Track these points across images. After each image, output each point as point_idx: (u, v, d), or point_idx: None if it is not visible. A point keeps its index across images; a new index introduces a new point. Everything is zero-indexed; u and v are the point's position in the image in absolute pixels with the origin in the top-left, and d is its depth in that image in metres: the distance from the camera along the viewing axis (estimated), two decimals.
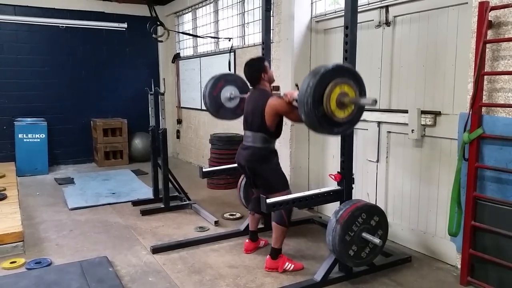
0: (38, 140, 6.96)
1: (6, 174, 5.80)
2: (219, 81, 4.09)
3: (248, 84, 3.61)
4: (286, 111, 3.22)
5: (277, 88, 4.98)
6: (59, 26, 7.41)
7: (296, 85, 3.19)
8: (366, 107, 4.05)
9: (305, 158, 5.04)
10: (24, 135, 6.89)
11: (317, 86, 2.57)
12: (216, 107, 4.10)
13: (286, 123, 4.93)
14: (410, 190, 3.79)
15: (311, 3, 4.81)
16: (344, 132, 2.88)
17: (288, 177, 4.83)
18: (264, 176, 3.37)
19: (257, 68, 3.43)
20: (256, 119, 3.32)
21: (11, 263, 3.47)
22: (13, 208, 4.34)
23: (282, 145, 4.41)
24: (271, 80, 3.53)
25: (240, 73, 6.10)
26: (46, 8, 7.27)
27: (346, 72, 2.70)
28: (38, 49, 7.36)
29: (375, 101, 2.60)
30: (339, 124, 2.70)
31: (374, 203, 3.95)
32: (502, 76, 2.82)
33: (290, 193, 3.32)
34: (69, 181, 6.45)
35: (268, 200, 2.97)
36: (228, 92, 4.10)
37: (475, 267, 3.01)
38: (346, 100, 2.63)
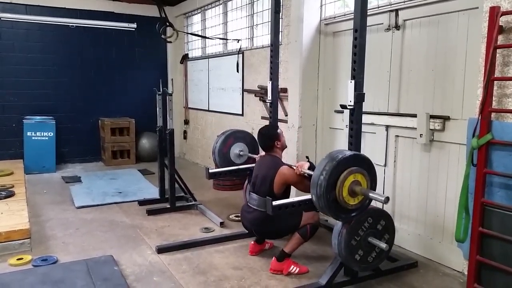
0: (46, 138, 7.03)
1: (14, 172, 5.86)
2: (229, 138, 4.29)
3: (261, 149, 3.72)
4: (296, 182, 3.33)
5: (284, 90, 4.99)
6: (69, 25, 7.48)
7: (307, 158, 3.34)
8: (374, 110, 4.07)
9: (312, 161, 5.01)
10: (33, 133, 6.95)
11: (333, 171, 2.64)
12: (225, 164, 4.30)
13: (293, 125, 4.92)
14: (418, 195, 3.77)
15: (320, 6, 4.81)
16: (349, 219, 2.88)
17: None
18: (280, 228, 3.41)
19: (271, 137, 3.55)
20: (264, 186, 3.40)
21: (18, 259, 3.50)
22: (21, 206, 4.38)
23: (289, 147, 4.40)
24: (283, 147, 3.65)
25: (248, 75, 6.13)
26: (57, 8, 7.35)
27: (362, 161, 2.78)
28: (48, 48, 7.43)
29: (387, 199, 2.64)
30: (347, 211, 2.75)
31: (381, 207, 3.92)
32: None
33: (316, 214, 3.38)
34: (76, 179, 6.49)
35: (274, 203, 2.97)
36: (238, 149, 4.33)
37: (482, 274, 2.98)
38: (357, 189, 2.69)
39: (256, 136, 3.82)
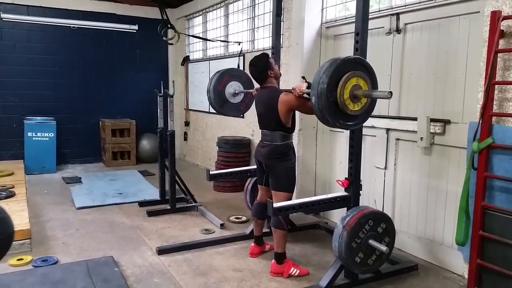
0: (47, 139, 7.02)
1: (14, 172, 5.86)
2: (224, 76, 4.09)
3: (256, 82, 3.58)
4: (298, 104, 3.22)
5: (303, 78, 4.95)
6: (71, 26, 7.49)
7: (303, 78, 3.20)
8: (375, 113, 4.07)
9: (312, 163, 5.03)
10: (33, 133, 6.95)
11: (336, 70, 2.56)
12: (220, 102, 4.09)
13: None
14: (418, 198, 3.77)
15: (322, 9, 4.82)
16: (353, 126, 2.84)
17: (296, 183, 4.87)
18: (279, 174, 3.37)
19: (263, 66, 3.42)
20: (271, 118, 3.33)
21: (18, 260, 3.50)
22: (21, 206, 4.38)
23: None
24: (277, 76, 3.54)
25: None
26: (58, 9, 7.36)
27: (364, 67, 2.71)
28: (49, 49, 7.44)
29: (390, 94, 2.56)
30: (346, 116, 2.67)
31: (381, 210, 3.93)
32: None
33: (291, 197, 3.37)
34: (77, 180, 6.49)
35: (275, 205, 2.98)
36: (233, 87, 4.10)
37: (483, 277, 2.98)
38: (359, 92, 2.62)
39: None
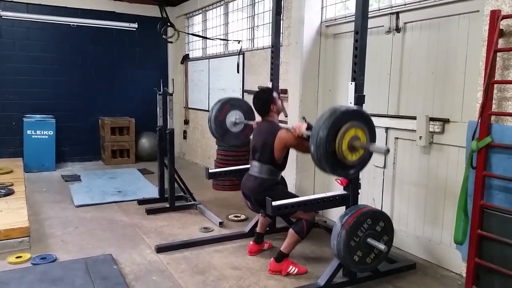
0: (46, 137, 7.02)
1: (13, 170, 5.86)
2: (225, 105, 4.13)
3: (258, 114, 3.66)
4: (295, 144, 3.29)
5: (284, 91, 4.99)
6: (70, 24, 7.49)
7: (303, 118, 3.26)
8: (374, 112, 4.08)
9: (311, 162, 5.01)
10: (33, 131, 6.95)
11: (336, 121, 2.61)
12: (222, 133, 4.13)
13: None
14: (416, 197, 3.78)
15: (321, 8, 4.82)
16: (350, 175, 2.89)
17: (294, 181, 4.87)
18: (276, 199, 3.38)
19: (266, 100, 3.50)
20: (265, 152, 3.38)
21: (16, 257, 3.50)
22: (20, 204, 4.38)
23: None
24: (279, 111, 3.62)
25: (248, 76, 6.15)
26: (58, 7, 7.35)
27: (363, 118, 2.76)
28: (49, 47, 7.43)
29: (387, 151, 2.63)
30: (344, 166, 2.72)
31: (380, 209, 3.94)
32: None
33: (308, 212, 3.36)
34: (76, 178, 6.49)
35: (274, 203, 2.98)
36: (234, 117, 4.13)
37: (480, 276, 2.99)
38: (357, 144, 2.66)
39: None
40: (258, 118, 3.78)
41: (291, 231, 3.34)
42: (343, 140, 2.61)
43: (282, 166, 3.47)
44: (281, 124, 3.53)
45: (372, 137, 2.78)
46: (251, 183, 3.45)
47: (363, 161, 2.80)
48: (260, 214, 3.80)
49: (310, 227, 3.35)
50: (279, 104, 3.58)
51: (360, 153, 2.72)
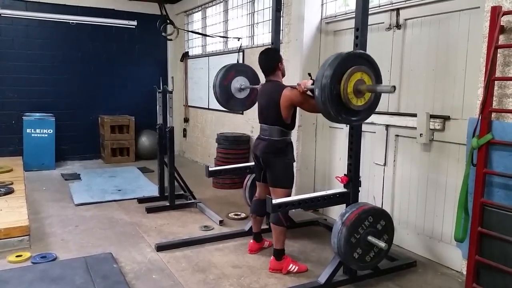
0: (46, 135, 7.01)
1: (13, 168, 5.85)
2: (230, 71, 4.07)
3: (263, 73, 3.54)
4: (301, 101, 3.19)
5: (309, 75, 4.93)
6: (69, 22, 7.47)
7: (309, 75, 3.16)
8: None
9: (311, 160, 5.03)
10: (32, 130, 6.94)
11: (340, 64, 2.55)
12: (226, 97, 4.07)
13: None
14: (417, 195, 3.77)
15: (321, 4, 4.80)
16: (355, 122, 2.82)
17: (294, 178, 4.86)
18: (276, 169, 3.35)
19: (274, 58, 3.42)
20: (271, 113, 3.31)
21: (17, 256, 3.49)
22: (20, 202, 4.37)
23: None
24: (284, 73, 3.52)
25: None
26: (57, 4, 7.33)
27: (369, 62, 2.70)
28: (48, 45, 7.41)
29: (393, 88, 2.55)
30: (349, 111, 2.65)
31: (381, 206, 3.93)
32: None
33: (290, 193, 3.35)
34: (76, 176, 6.49)
35: (274, 201, 2.97)
36: (239, 82, 4.08)
37: (481, 273, 2.98)
38: (363, 87, 2.60)
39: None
40: (262, 81, 3.67)
41: (271, 225, 3.34)
42: (349, 83, 2.55)
43: (291, 125, 3.38)
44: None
45: (378, 82, 2.72)
46: (261, 144, 3.39)
47: (369, 109, 2.74)
48: (250, 215, 3.79)
49: (285, 213, 3.31)
50: (284, 66, 3.49)
51: (366, 98, 2.65)
